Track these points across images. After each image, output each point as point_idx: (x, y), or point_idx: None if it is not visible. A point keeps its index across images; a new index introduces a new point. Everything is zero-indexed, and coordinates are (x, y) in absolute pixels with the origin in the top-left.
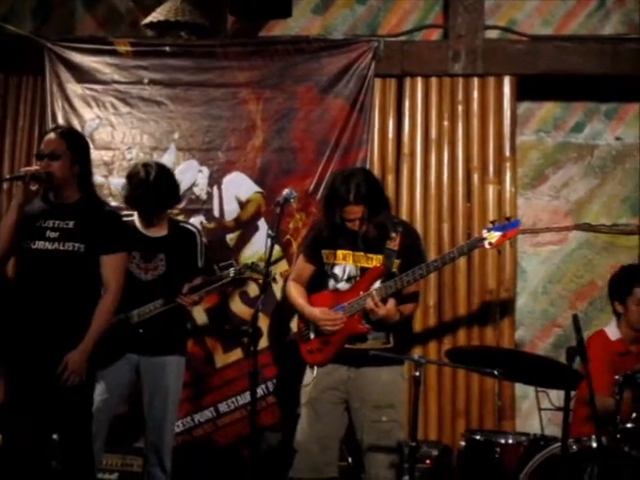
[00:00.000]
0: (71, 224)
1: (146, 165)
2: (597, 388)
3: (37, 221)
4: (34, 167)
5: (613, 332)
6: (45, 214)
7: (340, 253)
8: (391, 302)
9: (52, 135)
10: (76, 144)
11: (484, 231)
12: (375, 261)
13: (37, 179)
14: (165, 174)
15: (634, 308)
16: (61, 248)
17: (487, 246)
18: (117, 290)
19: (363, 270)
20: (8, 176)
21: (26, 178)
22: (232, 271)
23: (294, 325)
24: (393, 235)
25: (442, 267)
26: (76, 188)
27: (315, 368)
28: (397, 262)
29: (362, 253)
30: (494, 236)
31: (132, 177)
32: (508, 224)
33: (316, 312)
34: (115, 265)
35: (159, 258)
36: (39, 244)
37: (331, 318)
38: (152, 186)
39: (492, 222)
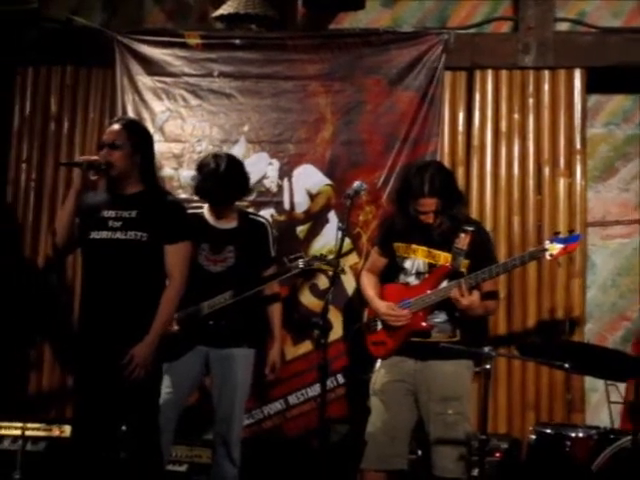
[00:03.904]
0: (134, 213)
1: (216, 156)
2: None
3: (100, 211)
4: (93, 156)
5: None
6: (108, 204)
7: (411, 247)
8: (475, 294)
9: (114, 126)
10: (137, 135)
11: (547, 242)
12: (443, 259)
13: (96, 168)
14: (235, 165)
15: None
16: (123, 237)
17: (548, 257)
18: (181, 280)
19: (431, 266)
20: (65, 161)
21: (84, 166)
22: (301, 262)
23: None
24: (463, 235)
25: (504, 274)
26: (138, 179)
27: (379, 360)
28: (465, 262)
29: (432, 249)
30: (555, 248)
31: (202, 168)
32: (570, 237)
33: (382, 306)
34: (178, 255)
35: (228, 250)
36: (102, 234)
37: (395, 314)
38: (222, 177)
39: (556, 233)
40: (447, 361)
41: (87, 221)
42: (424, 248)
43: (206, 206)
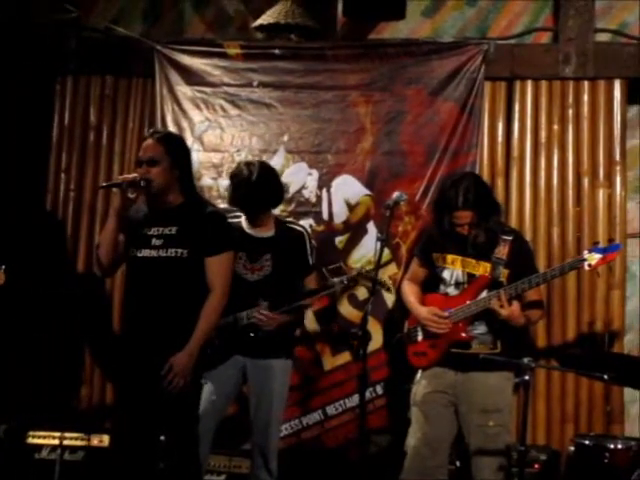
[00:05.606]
0: (174, 230)
1: (249, 164)
2: None
3: (142, 229)
4: (132, 174)
5: None
6: (149, 221)
7: (449, 257)
8: (515, 304)
9: (150, 141)
10: (174, 148)
11: (585, 252)
12: (482, 268)
13: (135, 186)
14: (268, 173)
15: None
16: (164, 255)
17: (586, 267)
18: (222, 291)
19: (470, 276)
20: (105, 183)
21: (123, 185)
22: (345, 279)
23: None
24: (502, 244)
25: (543, 284)
26: (179, 192)
27: (420, 371)
28: (505, 272)
29: (470, 259)
30: (594, 258)
31: (235, 177)
32: (609, 247)
33: (423, 311)
34: (219, 266)
35: (265, 258)
36: (144, 252)
37: (436, 319)
38: (254, 186)
39: (595, 243)
40: (488, 373)
41: (131, 239)
42: (461, 258)
43: (243, 215)
